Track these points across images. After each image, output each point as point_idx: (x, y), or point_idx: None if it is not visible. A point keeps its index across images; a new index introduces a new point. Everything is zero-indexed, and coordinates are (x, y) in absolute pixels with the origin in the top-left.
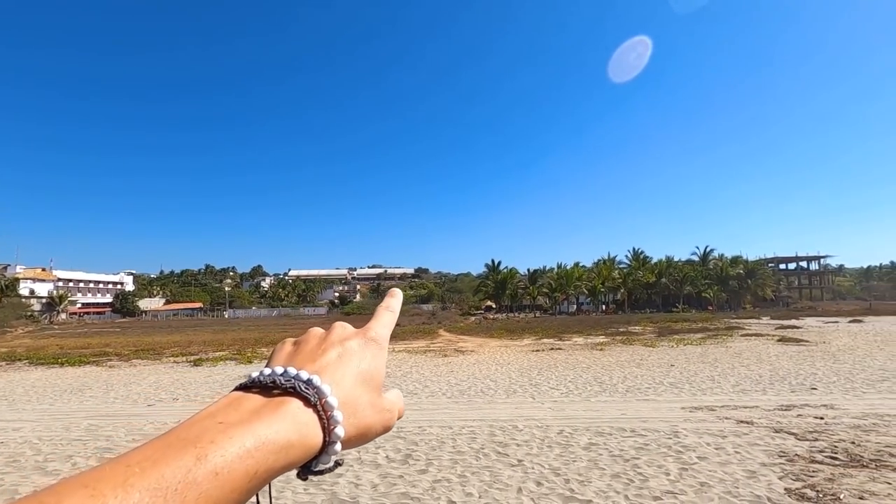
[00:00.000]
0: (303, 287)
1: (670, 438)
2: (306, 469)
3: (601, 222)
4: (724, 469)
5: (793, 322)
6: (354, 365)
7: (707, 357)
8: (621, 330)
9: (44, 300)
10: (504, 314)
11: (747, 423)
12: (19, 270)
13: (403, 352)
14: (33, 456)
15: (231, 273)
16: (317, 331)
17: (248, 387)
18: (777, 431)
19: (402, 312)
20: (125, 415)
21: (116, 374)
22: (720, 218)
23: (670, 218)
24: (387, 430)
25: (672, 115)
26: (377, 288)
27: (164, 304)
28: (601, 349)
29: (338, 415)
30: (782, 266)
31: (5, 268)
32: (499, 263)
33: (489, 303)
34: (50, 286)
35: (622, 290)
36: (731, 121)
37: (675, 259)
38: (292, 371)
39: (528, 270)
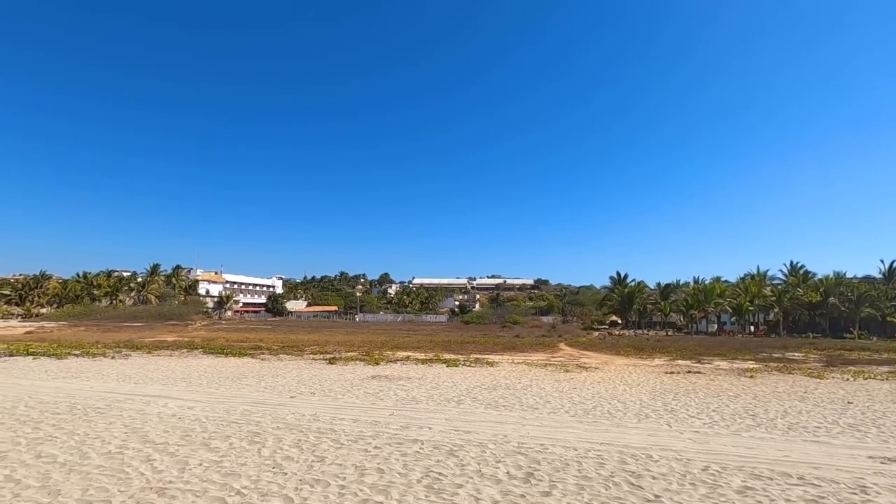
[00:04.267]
0: (425, 294)
1: (855, 493)
2: None
3: (745, 233)
4: None
5: None
6: None
7: None
8: (776, 355)
9: (215, 299)
10: (631, 330)
11: None
12: (199, 273)
13: (523, 364)
14: (201, 433)
15: (362, 280)
16: None
17: None
18: None
19: (521, 323)
20: (272, 404)
21: (267, 367)
22: None
23: (839, 228)
24: None
25: (846, 97)
26: (496, 297)
27: (306, 306)
28: (751, 376)
29: None
30: None
31: (189, 271)
32: (625, 276)
33: (614, 317)
34: (220, 287)
35: (776, 310)
36: None
37: (848, 275)
38: None
39: (659, 284)
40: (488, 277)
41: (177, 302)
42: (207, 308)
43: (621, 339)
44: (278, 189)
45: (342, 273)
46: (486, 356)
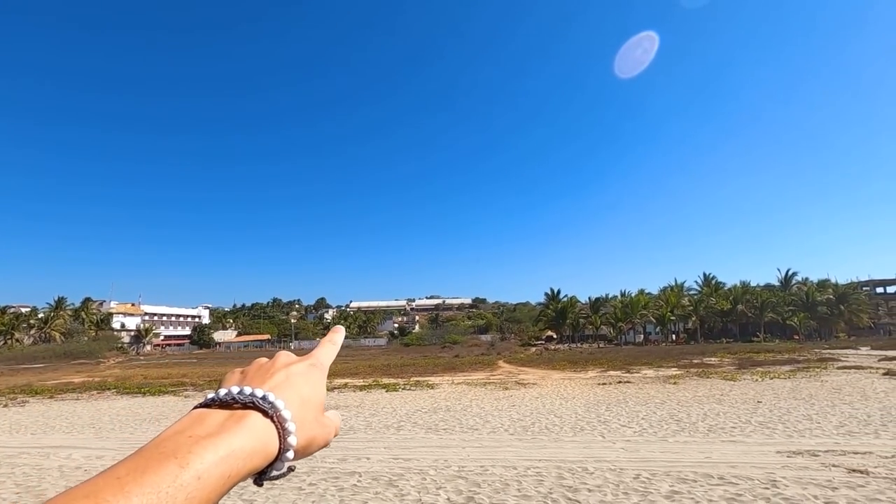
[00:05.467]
0: (363, 318)
1: (767, 489)
2: (262, 475)
3: (666, 247)
4: None
5: None
6: (300, 385)
7: (800, 393)
8: (695, 361)
9: (132, 333)
10: (566, 344)
11: (861, 472)
12: (113, 306)
13: (463, 384)
14: None
15: (297, 305)
16: (262, 359)
17: (208, 405)
18: None
19: (461, 343)
20: None
21: (190, 404)
22: (801, 238)
23: (743, 240)
24: (327, 443)
25: (738, 122)
26: (435, 318)
27: (236, 336)
28: (675, 383)
29: (291, 426)
30: (880, 290)
31: (101, 304)
32: (558, 292)
33: (550, 333)
34: (138, 320)
35: (693, 319)
36: (806, 125)
37: (752, 284)
38: (248, 389)
39: (590, 299)
40: (427, 298)
41: (86, 338)
42: (123, 343)
43: (557, 354)
44: (202, 211)
45: (275, 300)
46: (427, 378)
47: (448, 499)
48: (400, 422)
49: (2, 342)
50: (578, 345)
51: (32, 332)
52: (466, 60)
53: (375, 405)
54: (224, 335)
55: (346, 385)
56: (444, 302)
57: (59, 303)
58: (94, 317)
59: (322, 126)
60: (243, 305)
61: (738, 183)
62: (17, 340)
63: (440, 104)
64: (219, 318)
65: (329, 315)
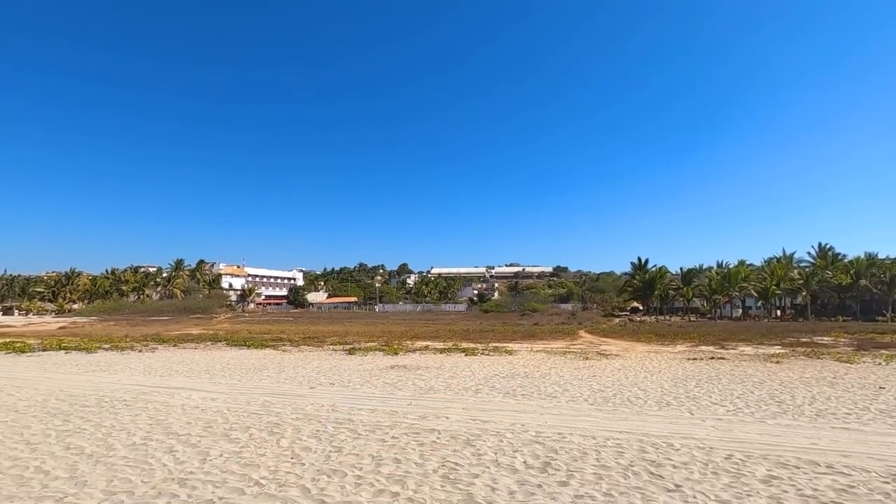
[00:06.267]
0: (444, 284)
1: (888, 482)
2: None
3: (772, 216)
4: None
5: None
6: None
7: None
8: (803, 340)
9: (238, 292)
10: (652, 317)
11: None
12: (222, 267)
13: (542, 352)
14: (223, 424)
15: (381, 270)
16: None
17: None
18: None
19: (540, 311)
20: (292, 395)
21: (288, 358)
22: None
23: (871, 209)
24: None
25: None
26: (515, 286)
27: (327, 297)
28: (777, 362)
29: None
30: None
31: (212, 265)
32: (646, 261)
33: (635, 304)
34: (242, 280)
35: (804, 294)
36: None
37: (880, 256)
38: None
39: (682, 269)
40: (507, 266)
41: (201, 296)
42: (231, 301)
43: (642, 326)
44: (297, 183)
45: (361, 264)
46: (505, 344)
47: (525, 462)
48: (478, 385)
49: (136, 297)
50: (666, 317)
51: (159, 289)
52: (568, 12)
53: (455, 368)
54: (316, 296)
55: (426, 347)
56: (523, 270)
57: (178, 264)
58: (207, 277)
59: (407, 94)
60: (332, 269)
61: (878, 146)
62: (147, 296)
63: (524, 68)
64: (311, 281)
65: (411, 280)
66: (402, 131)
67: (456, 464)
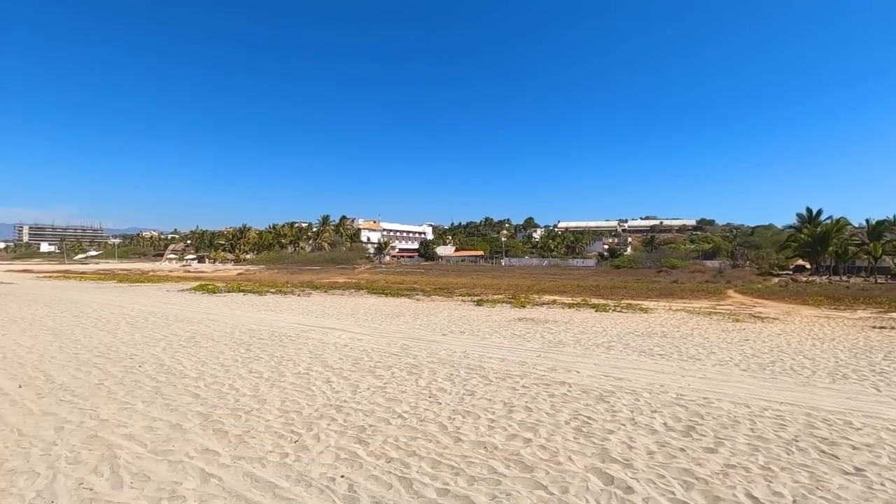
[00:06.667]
0: (571, 238)
1: None
2: None
3: None
4: None
5: None
6: None
7: None
8: None
9: (374, 245)
10: (823, 276)
11: None
12: (360, 222)
13: (682, 311)
14: (368, 362)
15: (507, 225)
16: None
17: None
18: None
19: (680, 268)
20: (426, 340)
21: (421, 306)
22: None
23: None
24: None
25: None
26: (651, 240)
27: (454, 251)
28: None
29: None
30: None
31: (353, 220)
32: (818, 212)
33: (800, 262)
34: (378, 234)
35: None
36: None
37: None
38: None
39: (867, 222)
40: (641, 219)
41: (344, 248)
42: (369, 254)
43: (809, 287)
44: (426, 141)
45: (487, 219)
46: (639, 302)
47: (664, 423)
48: (610, 342)
49: (292, 249)
50: (843, 278)
51: (310, 242)
52: None
53: (584, 323)
54: (444, 250)
55: (554, 302)
56: (661, 223)
57: (325, 220)
58: (349, 231)
59: (537, 50)
60: (459, 224)
61: None
62: (301, 248)
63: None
64: (440, 235)
65: (537, 234)
66: (531, 87)
67: (588, 418)
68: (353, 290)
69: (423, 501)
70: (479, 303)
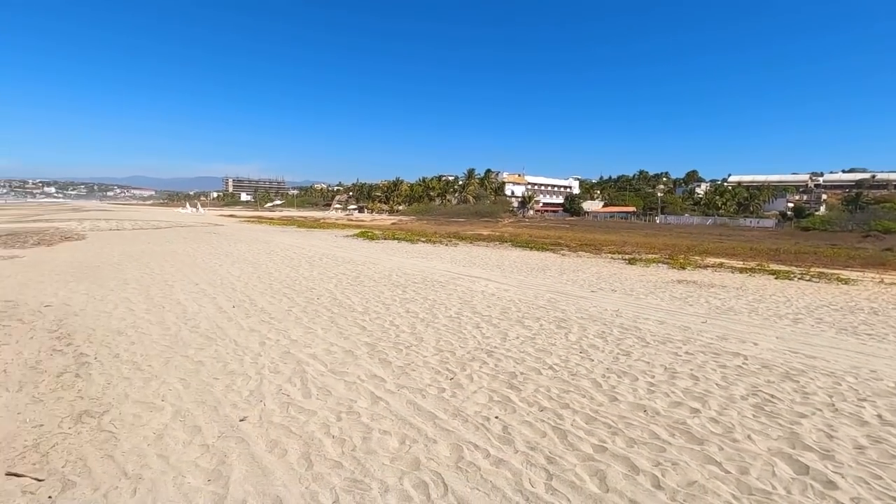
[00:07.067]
0: (745, 195)
1: None
2: None
3: None
4: None
5: None
6: None
7: None
8: None
9: (518, 199)
10: None
11: None
12: (505, 176)
13: None
14: (515, 312)
15: (664, 179)
16: None
17: None
18: None
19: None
20: (574, 295)
21: (567, 262)
22: None
23: None
24: None
25: None
26: (855, 198)
27: (602, 206)
28: None
29: None
30: None
31: (497, 174)
32: None
33: None
34: (523, 188)
35: None
36: None
37: None
38: None
39: None
40: (843, 172)
41: (488, 202)
42: (512, 207)
43: None
44: (572, 88)
45: (641, 172)
46: (836, 271)
47: (879, 415)
48: (797, 313)
49: (439, 202)
50: None
51: (456, 195)
52: None
53: (761, 291)
54: (591, 205)
55: (721, 265)
56: (872, 177)
57: (470, 173)
58: (493, 185)
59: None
60: (609, 177)
61: None
62: (448, 201)
63: None
64: (587, 189)
65: (700, 189)
66: (692, 39)
67: (772, 396)
68: (496, 243)
69: (579, 455)
70: (630, 261)
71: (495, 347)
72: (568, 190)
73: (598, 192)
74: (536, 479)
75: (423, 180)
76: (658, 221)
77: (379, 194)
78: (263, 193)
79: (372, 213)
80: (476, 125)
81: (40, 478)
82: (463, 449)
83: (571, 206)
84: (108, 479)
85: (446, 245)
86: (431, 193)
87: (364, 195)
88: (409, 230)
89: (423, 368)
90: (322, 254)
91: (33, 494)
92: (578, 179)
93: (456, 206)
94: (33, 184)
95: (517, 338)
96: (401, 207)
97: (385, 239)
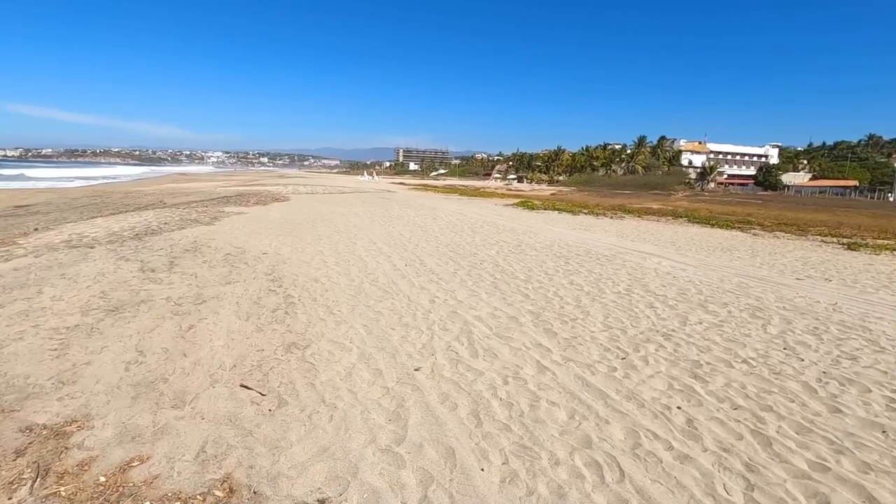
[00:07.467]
0: None
1: None
2: None
3: None
4: None
5: None
6: None
7: None
8: None
9: (697, 170)
10: None
11: None
12: (682, 144)
13: None
14: (696, 294)
15: None
16: None
17: None
18: None
19: None
20: (772, 282)
21: (760, 243)
22: None
23: None
24: None
25: None
26: None
27: (809, 179)
28: None
29: None
30: None
31: (673, 142)
32: None
33: None
34: (703, 158)
35: None
36: None
37: None
38: None
39: None
40: None
41: (660, 172)
42: (689, 179)
43: None
44: (767, 61)
45: (870, 136)
46: None
47: None
48: None
49: (603, 172)
50: None
51: (622, 165)
52: None
53: None
54: (794, 177)
55: None
56: None
57: (640, 141)
58: (667, 154)
59: None
60: (822, 144)
61: None
62: (613, 171)
63: None
64: (789, 159)
65: None
66: None
67: None
68: (669, 218)
69: (790, 469)
70: (850, 246)
71: (673, 331)
72: (763, 159)
73: (805, 161)
74: (733, 486)
75: (587, 149)
76: (892, 199)
77: (539, 164)
78: (429, 163)
79: (531, 182)
80: (649, 91)
81: (263, 393)
82: (640, 435)
83: (766, 178)
84: (311, 404)
85: (611, 218)
86: (595, 163)
87: (524, 165)
88: (570, 201)
89: (590, 343)
90: (483, 221)
91: (258, 406)
92: (778, 146)
93: (622, 176)
94: (252, 155)
95: (700, 323)
96: (561, 178)
97: (545, 209)
